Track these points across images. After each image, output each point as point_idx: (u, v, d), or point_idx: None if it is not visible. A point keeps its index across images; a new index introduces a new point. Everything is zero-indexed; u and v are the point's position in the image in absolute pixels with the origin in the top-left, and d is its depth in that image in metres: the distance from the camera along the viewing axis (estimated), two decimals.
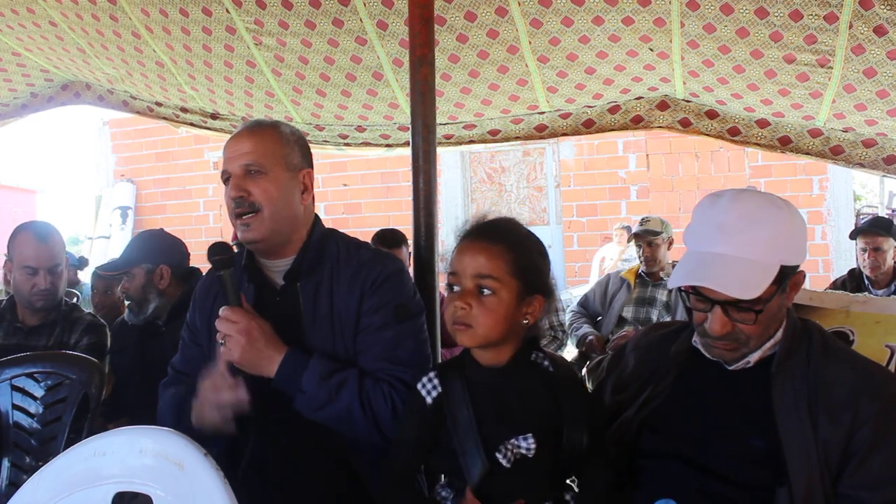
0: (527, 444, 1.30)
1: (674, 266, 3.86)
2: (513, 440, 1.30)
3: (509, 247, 1.31)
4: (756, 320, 1.28)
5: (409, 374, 1.54)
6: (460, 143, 3.06)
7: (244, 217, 1.57)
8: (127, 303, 2.65)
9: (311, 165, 1.69)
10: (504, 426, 1.31)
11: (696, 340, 1.40)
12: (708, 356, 1.38)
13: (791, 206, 1.32)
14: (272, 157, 1.59)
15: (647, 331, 1.64)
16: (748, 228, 1.27)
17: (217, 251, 1.55)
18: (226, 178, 1.61)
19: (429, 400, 1.36)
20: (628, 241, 4.08)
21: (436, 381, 1.38)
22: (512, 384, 1.34)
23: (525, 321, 1.34)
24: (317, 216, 1.72)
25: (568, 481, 1.42)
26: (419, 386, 1.37)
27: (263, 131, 1.63)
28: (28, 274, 2.45)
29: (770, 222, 1.27)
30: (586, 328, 3.85)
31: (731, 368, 1.36)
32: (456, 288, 1.32)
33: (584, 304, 4.09)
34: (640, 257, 3.93)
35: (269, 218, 1.57)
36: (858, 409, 1.25)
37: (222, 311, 1.52)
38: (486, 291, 1.29)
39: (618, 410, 1.47)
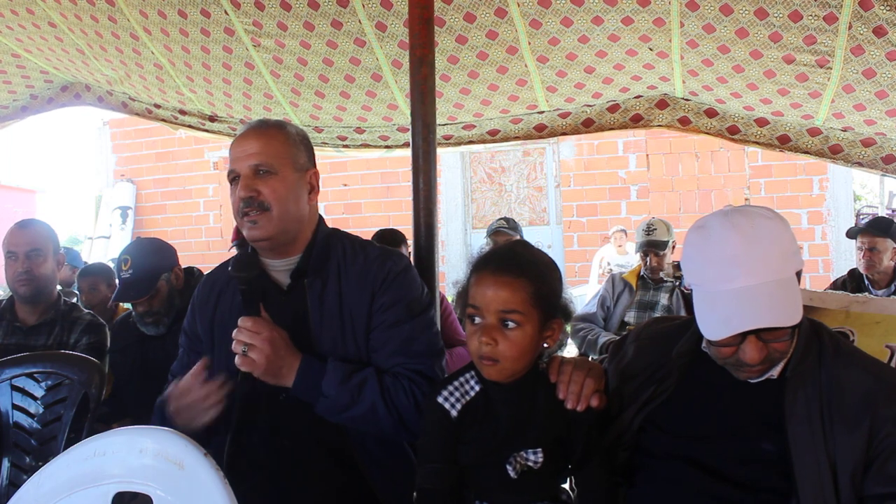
0: (535, 458, 1.31)
1: (675, 266, 3.88)
2: (522, 453, 1.31)
3: (531, 279, 1.30)
4: (792, 335, 1.27)
5: (426, 366, 1.56)
6: (460, 144, 3.06)
7: (252, 214, 1.56)
8: (143, 317, 2.59)
9: (315, 165, 1.70)
10: (516, 439, 1.32)
11: (706, 347, 1.38)
12: (733, 374, 1.34)
13: (773, 212, 1.31)
14: (281, 157, 1.59)
15: (648, 324, 1.63)
16: (758, 250, 1.24)
17: (243, 267, 1.54)
18: (233, 177, 1.60)
19: (453, 413, 1.33)
20: (641, 250, 3.97)
21: (467, 387, 1.36)
22: (525, 399, 1.35)
23: (546, 345, 1.36)
24: (321, 216, 1.73)
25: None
26: (441, 399, 1.34)
27: (271, 131, 1.62)
28: (11, 260, 2.51)
29: (772, 237, 1.26)
30: (605, 334, 3.70)
31: (753, 382, 1.33)
32: (477, 320, 1.31)
33: (602, 305, 3.95)
34: (645, 266, 3.87)
35: (277, 217, 1.57)
36: (876, 413, 1.24)
37: (242, 321, 1.50)
38: (511, 324, 1.29)
39: (619, 405, 1.46)
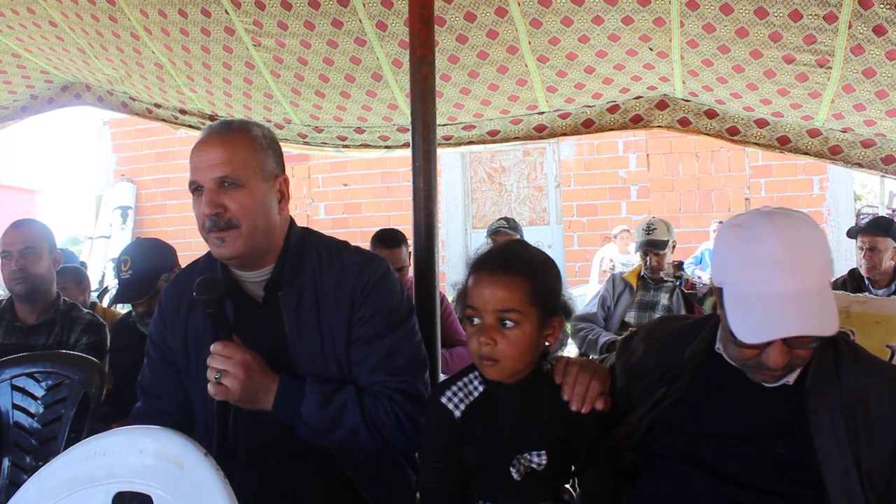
0: (539, 460, 1.31)
1: (675, 266, 3.87)
2: (526, 454, 1.31)
3: (528, 277, 1.30)
4: (816, 342, 1.25)
5: (408, 384, 1.51)
6: (460, 144, 3.06)
7: (218, 232, 1.46)
8: (143, 317, 2.59)
9: (284, 169, 1.59)
10: (519, 441, 1.32)
11: (719, 348, 1.36)
12: (749, 376, 1.33)
13: (811, 218, 1.29)
14: (248, 166, 1.47)
15: (659, 322, 1.61)
16: (800, 256, 1.21)
17: (205, 289, 1.42)
18: (195, 188, 1.49)
19: (457, 413, 1.33)
20: (641, 250, 3.96)
21: (471, 387, 1.35)
22: (529, 400, 1.35)
23: (547, 343, 1.35)
24: (291, 219, 1.63)
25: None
26: (444, 399, 1.33)
27: (235, 136, 1.50)
28: (6, 259, 2.53)
29: (814, 245, 1.23)
30: (605, 334, 3.71)
31: (768, 386, 1.32)
32: (476, 321, 1.31)
33: (603, 305, 3.96)
34: (645, 266, 3.87)
35: (246, 234, 1.47)
36: None
37: (214, 347, 1.43)
38: (509, 323, 1.28)
39: (627, 403, 1.45)
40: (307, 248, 1.59)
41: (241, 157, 1.48)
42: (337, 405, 1.46)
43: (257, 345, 1.47)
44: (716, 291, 1.33)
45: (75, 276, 3.77)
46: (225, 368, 1.41)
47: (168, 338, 1.63)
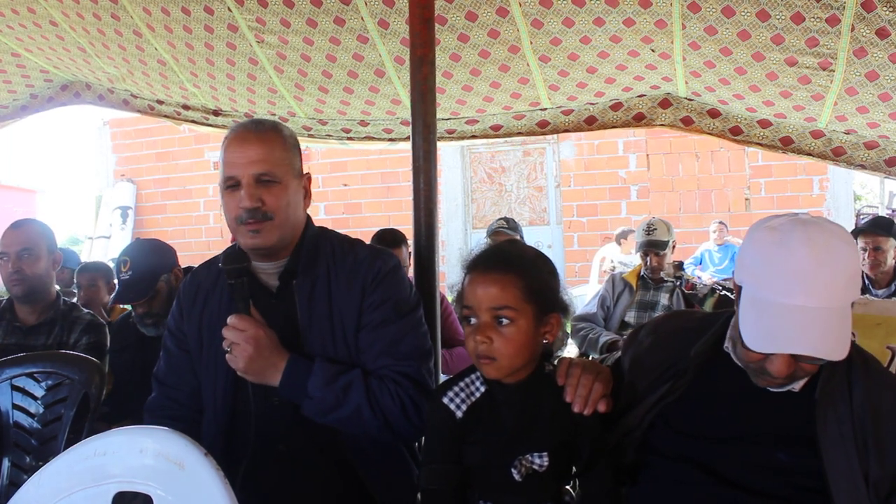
0: (540, 461, 1.31)
1: (675, 266, 3.87)
2: (527, 456, 1.31)
3: (520, 273, 1.30)
4: (824, 361, 1.23)
5: (412, 368, 1.55)
6: (462, 138, 3.07)
7: (252, 224, 1.53)
8: (142, 318, 2.58)
9: (303, 168, 1.68)
10: (521, 442, 1.31)
11: (728, 347, 1.35)
12: (752, 378, 1.31)
13: (849, 235, 1.25)
14: (282, 164, 1.56)
15: (668, 317, 1.60)
16: (826, 274, 1.18)
17: (233, 259, 1.55)
18: (232, 183, 1.55)
19: (459, 414, 1.33)
20: (641, 250, 3.95)
21: (472, 388, 1.36)
22: (531, 400, 1.35)
23: (545, 341, 1.35)
24: (308, 215, 1.71)
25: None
26: (446, 400, 1.34)
27: (269, 135, 1.58)
28: (3, 261, 2.52)
29: (842, 263, 1.20)
30: (606, 334, 3.70)
31: (774, 391, 1.30)
32: (473, 320, 1.32)
33: (602, 305, 3.95)
34: (646, 266, 3.88)
35: (279, 226, 1.55)
36: None
37: (230, 319, 1.51)
38: (504, 321, 1.29)
39: (632, 397, 1.44)
40: (322, 242, 1.67)
41: (277, 155, 1.56)
42: (343, 383, 1.50)
43: (275, 333, 1.53)
44: (735, 288, 1.31)
45: (106, 275, 3.77)
46: (236, 342, 1.48)
47: (184, 326, 1.70)
